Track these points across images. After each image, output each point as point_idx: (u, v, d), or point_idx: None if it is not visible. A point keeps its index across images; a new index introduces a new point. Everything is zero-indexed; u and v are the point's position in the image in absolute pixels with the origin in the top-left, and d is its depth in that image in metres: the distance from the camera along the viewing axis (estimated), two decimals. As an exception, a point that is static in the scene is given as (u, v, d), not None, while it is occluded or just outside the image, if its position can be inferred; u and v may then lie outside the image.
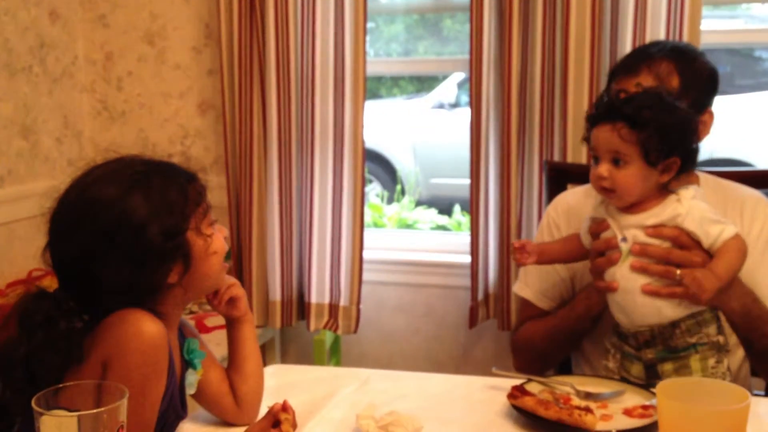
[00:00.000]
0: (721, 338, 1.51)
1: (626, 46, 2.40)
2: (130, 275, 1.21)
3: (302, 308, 2.81)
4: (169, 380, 1.26)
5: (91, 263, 1.22)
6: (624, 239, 1.50)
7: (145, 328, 1.19)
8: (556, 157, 2.50)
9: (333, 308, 2.76)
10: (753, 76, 4.93)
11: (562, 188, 2.06)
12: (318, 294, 2.76)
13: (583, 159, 2.45)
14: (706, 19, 2.39)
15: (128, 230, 1.21)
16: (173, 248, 1.23)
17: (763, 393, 1.85)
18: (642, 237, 1.49)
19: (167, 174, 1.28)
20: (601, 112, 1.49)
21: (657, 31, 2.38)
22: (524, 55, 2.51)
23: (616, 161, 1.47)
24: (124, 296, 1.22)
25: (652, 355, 1.52)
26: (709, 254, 1.48)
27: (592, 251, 1.56)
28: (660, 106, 1.47)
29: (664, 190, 1.50)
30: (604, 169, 1.48)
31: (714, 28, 2.53)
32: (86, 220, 1.23)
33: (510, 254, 1.61)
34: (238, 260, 2.80)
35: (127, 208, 1.21)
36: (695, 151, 1.50)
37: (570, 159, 2.46)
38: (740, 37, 2.78)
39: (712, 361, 1.50)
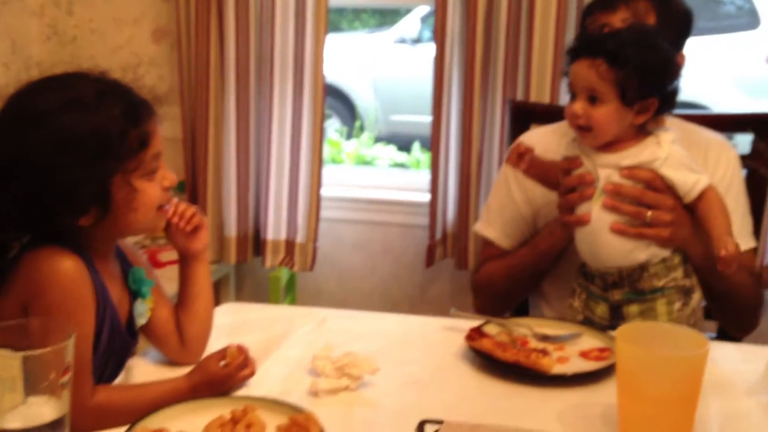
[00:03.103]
0: (687, 282, 1.52)
1: (594, -16, 2.35)
2: (35, 207, 1.17)
3: (258, 244, 2.77)
4: (102, 312, 1.23)
5: (9, 180, 1.17)
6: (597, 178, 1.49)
7: (61, 265, 1.16)
8: (519, 96, 2.47)
9: (289, 245, 2.73)
10: (714, 18, 4.93)
11: (525, 128, 2.03)
12: (274, 230, 2.72)
13: (546, 98, 2.43)
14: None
15: (46, 163, 1.15)
16: (87, 197, 1.18)
17: (715, 335, 1.87)
18: (616, 177, 1.48)
19: (111, 113, 1.19)
20: (582, 47, 1.47)
21: (626, -31, 2.33)
22: (491, -10, 2.45)
23: (593, 99, 1.45)
24: (34, 224, 1.19)
25: (618, 297, 1.53)
26: (682, 200, 1.48)
27: (563, 187, 1.54)
28: (643, 43, 1.44)
29: (642, 131, 1.49)
30: (578, 106, 1.46)
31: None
32: (14, 128, 1.18)
33: (508, 156, 1.56)
34: (193, 194, 2.74)
35: (55, 139, 1.16)
36: (674, 93, 1.49)
37: (533, 98, 2.43)
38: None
39: (678, 305, 1.51)
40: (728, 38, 4.90)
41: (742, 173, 1.76)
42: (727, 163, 1.72)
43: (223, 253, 2.74)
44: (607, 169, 1.48)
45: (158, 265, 2.48)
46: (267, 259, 2.73)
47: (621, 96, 1.43)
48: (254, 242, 2.77)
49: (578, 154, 1.52)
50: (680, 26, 1.68)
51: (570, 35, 2.41)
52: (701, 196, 1.47)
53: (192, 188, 2.75)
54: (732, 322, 1.76)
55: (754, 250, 1.75)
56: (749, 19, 4.99)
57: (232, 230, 2.71)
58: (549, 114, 2.03)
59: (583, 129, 1.48)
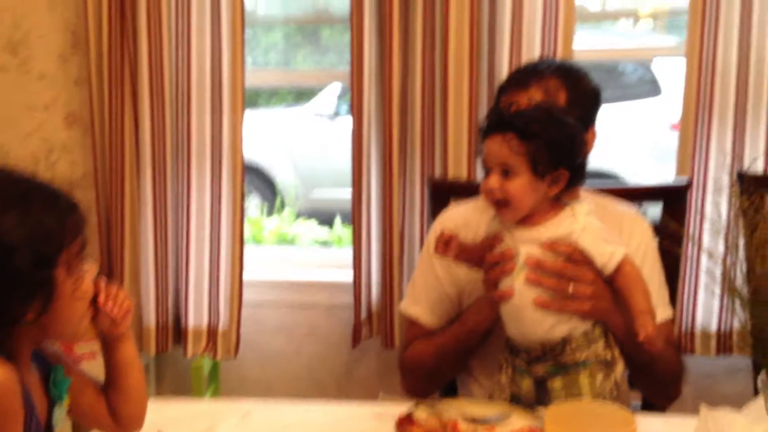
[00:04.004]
0: (608, 353, 1.53)
1: (503, 63, 2.43)
2: None
3: (178, 333, 2.69)
4: (29, 421, 1.15)
5: None
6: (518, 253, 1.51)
7: None
8: (438, 171, 2.50)
9: (211, 332, 2.66)
10: (616, 88, 5.15)
11: (445, 204, 2.05)
12: (195, 317, 2.65)
13: (464, 174, 2.46)
14: (575, 34, 2.45)
15: None
16: (39, 281, 1.13)
17: (640, 405, 1.89)
18: (536, 251, 1.50)
19: (49, 197, 1.17)
20: (493, 124, 1.51)
21: (532, 48, 2.42)
22: (405, 68, 2.49)
23: (506, 173, 1.48)
24: None
25: (542, 371, 1.53)
26: (601, 273, 1.50)
27: (486, 263, 1.55)
28: (549, 120, 1.51)
29: (557, 203, 1.52)
30: (494, 180, 1.49)
31: (584, 44, 2.60)
32: None
33: (435, 243, 1.57)
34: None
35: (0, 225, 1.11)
36: (582, 165, 1.54)
37: (451, 173, 2.47)
38: (610, 55, 2.88)
39: (600, 378, 1.51)
40: (631, 106, 5.12)
41: (656, 244, 1.80)
42: (641, 234, 1.76)
43: (142, 343, 2.64)
44: (527, 244, 1.51)
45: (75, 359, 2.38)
46: (188, 348, 2.65)
47: (533, 168, 1.48)
48: (174, 331, 2.69)
49: (499, 230, 1.54)
50: (590, 103, 1.75)
51: (483, 112, 2.46)
52: (618, 270, 1.50)
53: (107, 276, 2.66)
54: (655, 391, 1.78)
55: (672, 320, 1.79)
56: (650, 87, 5.24)
57: (150, 319, 2.63)
58: (468, 190, 2.05)
59: (501, 204, 1.50)
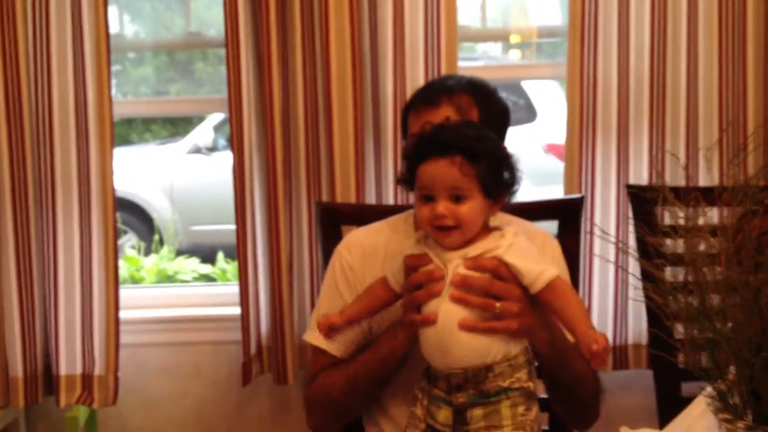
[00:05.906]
0: (531, 384, 1.45)
1: (387, 83, 2.40)
2: None
3: (50, 382, 2.49)
4: None
5: None
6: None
7: None
8: (325, 197, 2.42)
9: (86, 379, 2.47)
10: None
11: (336, 229, 1.97)
12: (68, 364, 2.46)
13: (351, 199, 2.39)
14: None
15: None
16: None
17: None
18: (461, 269, 1.42)
19: None
20: (434, 147, 1.42)
21: (416, 67, 2.40)
22: (285, 92, 2.42)
23: (456, 197, 1.40)
24: None
25: (463, 399, 1.43)
26: (528, 291, 1.43)
27: (409, 284, 1.46)
28: (488, 138, 1.44)
29: (486, 227, 1.46)
30: (443, 206, 1.40)
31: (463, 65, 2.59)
32: None
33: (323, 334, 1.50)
34: (-31, 334, 2.43)
35: None
36: (516, 182, 1.47)
37: (339, 198, 2.40)
38: (492, 74, 2.88)
39: (521, 409, 1.43)
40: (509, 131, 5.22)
41: (564, 261, 1.76)
42: (553, 251, 1.73)
43: (10, 396, 2.43)
44: (454, 261, 1.42)
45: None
46: (61, 397, 2.46)
47: (483, 189, 1.41)
48: (45, 380, 2.49)
49: (424, 252, 1.45)
50: (500, 121, 1.70)
51: (368, 133, 2.41)
52: (550, 288, 1.43)
53: (-33, 326, 2.43)
54: (576, 415, 1.72)
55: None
56: (526, 113, 5.36)
57: (17, 369, 2.42)
58: (358, 214, 1.99)
59: (447, 229, 1.41)
